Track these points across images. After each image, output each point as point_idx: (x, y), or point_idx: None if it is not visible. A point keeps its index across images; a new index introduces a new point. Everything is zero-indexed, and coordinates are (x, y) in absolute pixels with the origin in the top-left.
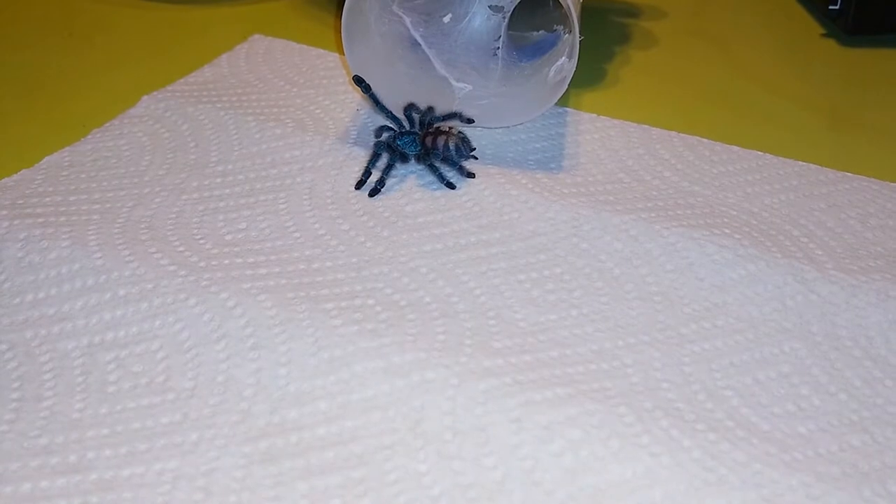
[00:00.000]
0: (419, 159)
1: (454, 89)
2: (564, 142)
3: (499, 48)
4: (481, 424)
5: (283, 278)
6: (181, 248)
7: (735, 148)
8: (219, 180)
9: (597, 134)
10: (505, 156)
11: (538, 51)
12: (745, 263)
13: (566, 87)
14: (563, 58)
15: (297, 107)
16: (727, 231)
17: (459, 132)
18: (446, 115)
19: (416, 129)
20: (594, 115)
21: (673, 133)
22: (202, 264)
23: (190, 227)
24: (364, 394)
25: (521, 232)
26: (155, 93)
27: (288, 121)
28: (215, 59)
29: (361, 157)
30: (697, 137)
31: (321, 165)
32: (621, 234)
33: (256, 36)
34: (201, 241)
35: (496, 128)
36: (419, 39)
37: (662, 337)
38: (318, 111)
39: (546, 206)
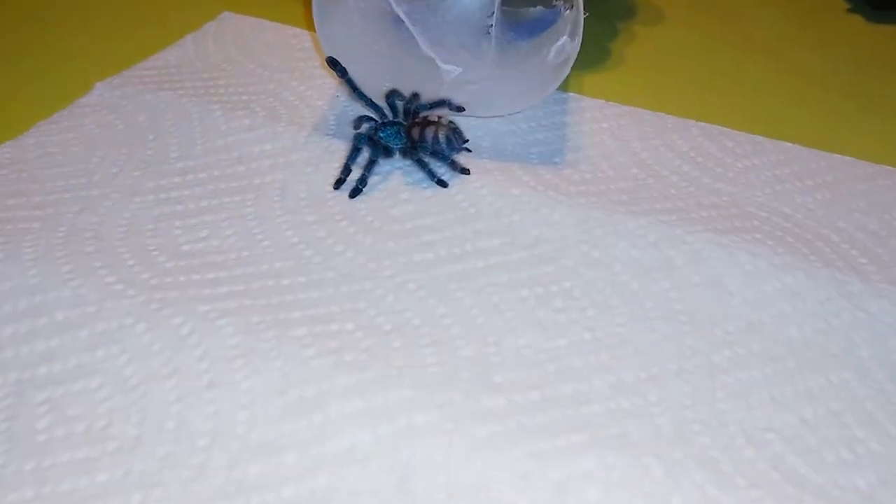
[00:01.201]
0: (405, 154)
1: (442, 72)
2: (569, 132)
3: (492, 26)
4: (482, 482)
5: (248, 298)
6: (131, 262)
7: (759, 138)
8: (178, 179)
9: (605, 123)
10: (503, 148)
11: (536, 28)
12: (781, 275)
13: (568, 70)
14: (565, 37)
15: (269, 93)
16: (758, 236)
17: (450, 122)
18: (434, 103)
19: (401, 118)
20: (601, 100)
21: (690, 121)
22: (154, 282)
23: (143, 236)
24: (340, 443)
25: (523, 238)
26: (110, 79)
27: (258, 109)
28: (180, 40)
29: (341, 151)
30: (718, 126)
31: (295, 161)
32: (638, 241)
33: (226, 14)
34: (155, 253)
35: (490, 117)
36: (402, 16)
37: (691, 366)
38: (292, 98)
39: (551, 208)
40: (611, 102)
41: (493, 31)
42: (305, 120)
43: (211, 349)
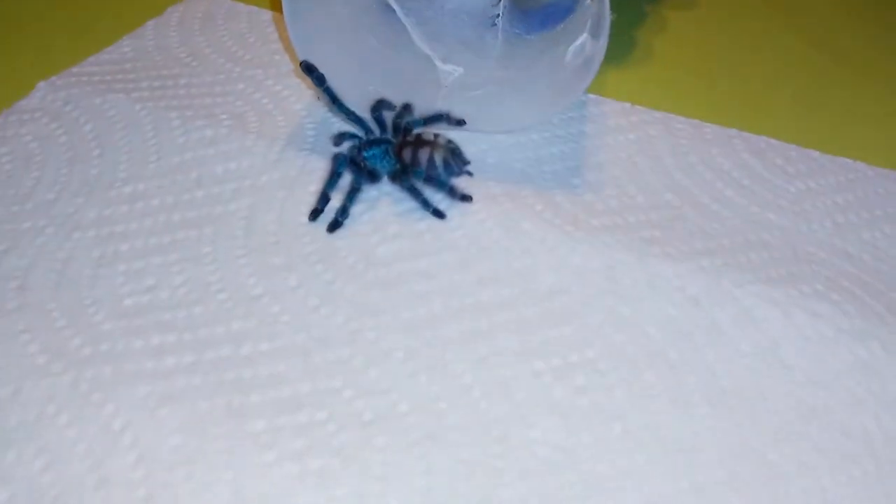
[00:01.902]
0: (394, 178)
1: (439, 74)
2: (589, 144)
3: (498, 16)
4: None
5: (198, 374)
6: (61, 324)
7: (815, 154)
8: (125, 209)
9: (632, 133)
10: (511, 165)
11: (549, 19)
12: (851, 344)
13: (591, 77)
14: (585, 35)
15: (239, 94)
16: (819, 287)
17: (448, 141)
18: (429, 118)
19: (389, 135)
20: (626, 104)
21: (732, 131)
22: (87, 351)
23: (79, 286)
24: None
25: (536, 289)
26: (55, 77)
27: (223, 117)
28: (138, 29)
29: (320, 170)
30: (765, 138)
31: (264, 184)
32: (676, 294)
33: None
34: (91, 311)
35: (495, 132)
36: (394, 4)
37: (746, 471)
38: (264, 101)
39: (570, 248)
40: (638, 106)
41: (499, 22)
42: (279, 130)
43: (148, 451)
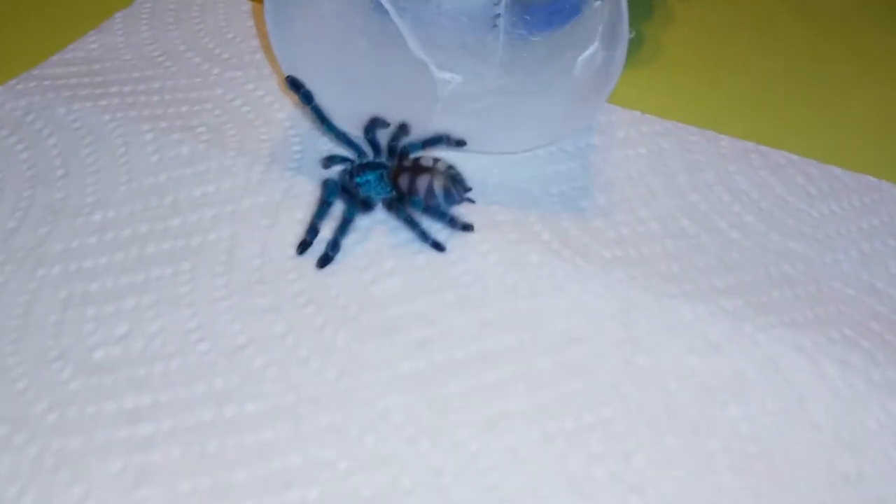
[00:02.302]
0: (390, 207)
1: (436, 83)
2: (597, 160)
3: (499, 16)
4: None
5: (177, 443)
6: (23, 384)
7: (837, 171)
8: (94, 240)
9: (643, 146)
10: (515, 186)
11: (555, 17)
12: (885, 399)
13: (606, 94)
14: (595, 44)
15: (217, 101)
16: (848, 332)
17: (449, 166)
18: (427, 140)
19: (384, 158)
20: (636, 112)
21: (749, 144)
22: (52, 417)
23: (43, 335)
24: None
25: (546, 335)
26: (13, 81)
27: (201, 130)
28: (106, 21)
29: (308, 194)
30: (784, 153)
31: (247, 211)
32: (696, 341)
33: None
34: (56, 366)
35: (499, 153)
36: (386, 5)
37: None
38: (245, 109)
39: (582, 286)
40: (648, 115)
41: (501, 21)
42: (262, 145)
43: None
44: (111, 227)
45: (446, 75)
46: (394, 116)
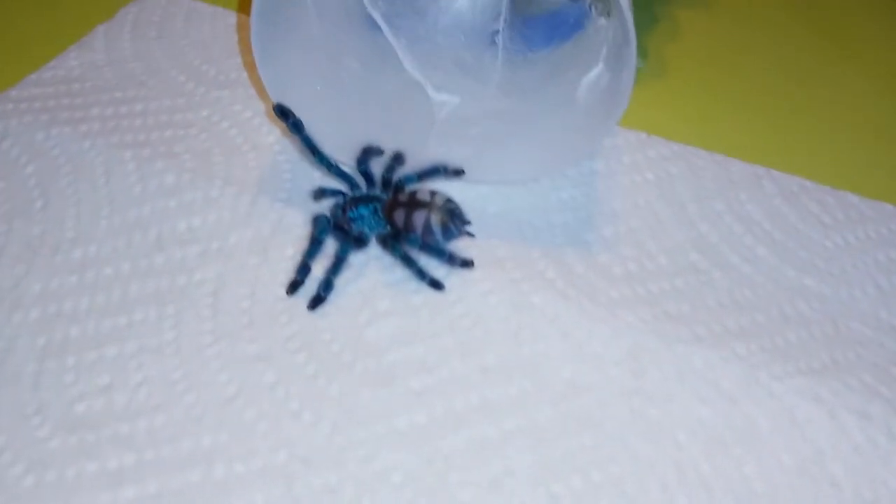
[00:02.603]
0: (385, 243)
1: (432, 105)
2: (602, 187)
3: (498, 32)
4: None
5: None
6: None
7: (853, 198)
8: (74, 279)
9: (650, 172)
10: (516, 217)
11: (555, 32)
12: None
13: (615, 121)
14: (600, 66)
15: (202, 125)
16: (868, 380)
17: (447, 200)
18: (424, 172)
19: (378, 190)
20: (642, 133)
21: (760, 169)
22: (30, 481)
23: (20, 386)
24: None
25: (551, 383)
26: None
27: (186, 157)
28: (86, 36)
29: (298, 227)
30: (797, 178)
31: (234, 247)
32: (708, 390)
33: None
34: (35, 421)
35: (498, 183)
36: (380, 21)
37: None
38: (232, 132)
39: (588, 331)
40: (654, 137)
41: (499, 38)
42: (250, 173)
43: None
44: (92, 265)
45: (443, 97)
46: (388, 142)
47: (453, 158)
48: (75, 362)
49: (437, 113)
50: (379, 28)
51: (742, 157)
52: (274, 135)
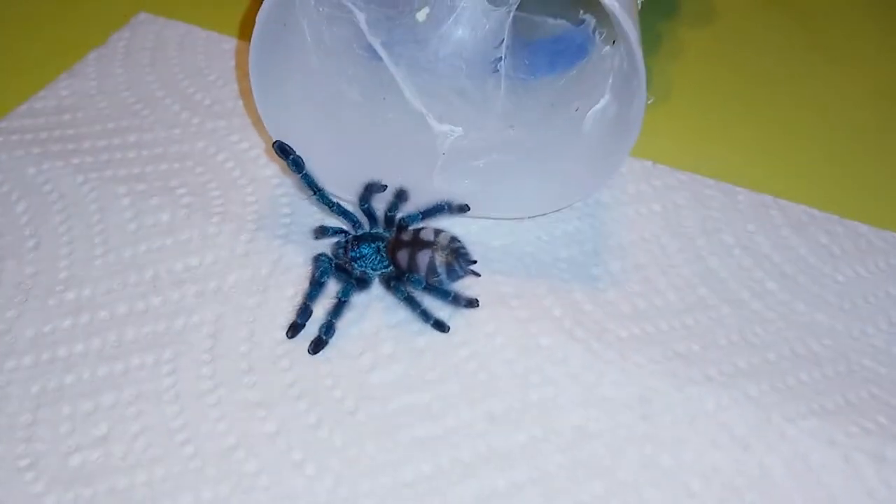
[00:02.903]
0: (388, 284)
1: (434, 135)
2: (609, 218)
3: (501, 59)
4: None
5: None
6: None
7: (863, 228)
8: (68, 323)
9: (657, 203)
10: (521, 251)
11: (559, 58)
12: None
13: (624, 155)
14: (606, 97)
15: (199, 157)
16: (883, 421)
17: (451, 239)
18: (427, 210)
19: (380, 228)
20: (647, 162)
21: (767, 199)
22: None
23: (13, 438)
24: None
25: (560, 430)
26: None
27: (181, 192)
28: (78, 63)
29: (298, 266)
30: (804, 207)
31: (232, 288)
32: (720, 435)
33: (143, 16)
34: (29, 476)
35: (504, 218)
36: (380, 50)
37: None
38: (228, 165)
39: (598, 374)
40: (660, 165)
41: (502, 66)
42: (247, 208)
43: None
44: (87, 307)
45: (445, 128)
46: (391, 177)
47: (458, 192)
48: (71, 411)
49: (439, 145)
50: (379, 58)
51: (748, 185)
52: (272, 168)
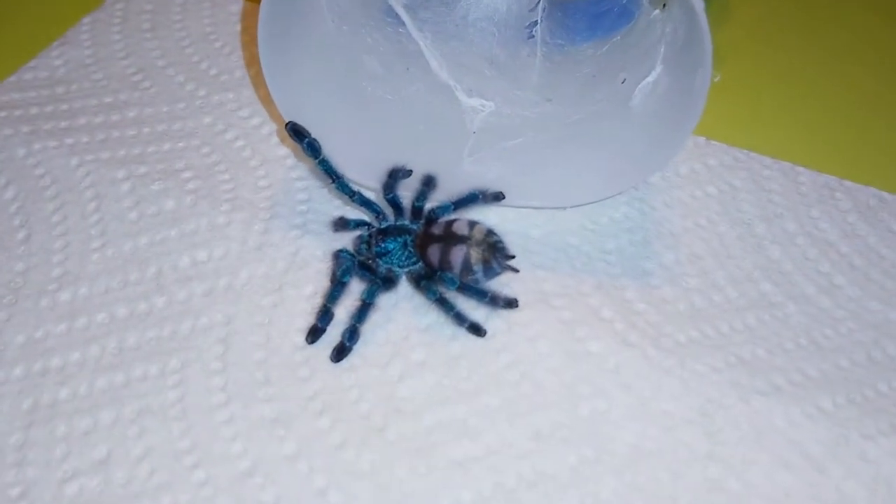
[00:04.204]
0: (417, 283)
1: (463, 111)
2: (658, 203)
3: (536, 23)
4: None
5: None
6: None
7: None
8: (63, 327)
9: (711, 185)
10: (563, 242)
11: (598, 21)
12: None
13: (688, 133)
14: (658, 68)
15: (205, 135)
16: None
17: (488, 232)
18: (459, 200)
19: (406, 220)
20: (700, 138)
21: (832, 180)
22: None
23: (2, 463)
24: None
25: (614, 450)
26: None
27: (187, 175)
28: (71, 29)
29: (317, 261)
30: (873, 190)
31: (245, 285)
32: (792, 454)
33: None
34: None
35: (543, 207)
36: (402, 14)
37: None
38: (239, 145)
39: (655, 386)
40: (714, 142)
41: (538, 29)
42: (260, 194)
43: None
44: (83, 309)
45: (475, 102)
46: (416, 160)
47: (490, 177)
48: (65, 431)
49: (469, 122)
50: (401, 23)
51: (809, 165)
52: (285, 147)
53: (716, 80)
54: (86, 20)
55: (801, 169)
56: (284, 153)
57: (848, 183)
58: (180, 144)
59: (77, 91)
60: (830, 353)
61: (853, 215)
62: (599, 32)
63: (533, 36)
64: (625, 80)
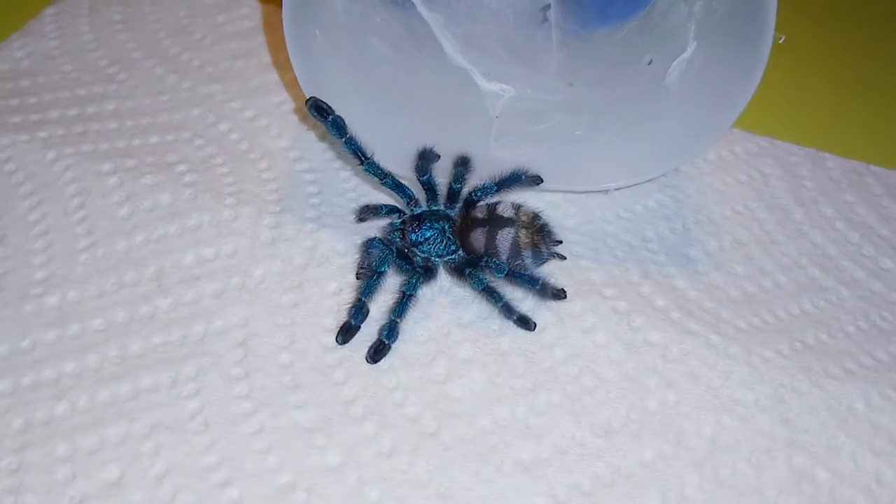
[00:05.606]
0: (459, 272)
1: (484, 97)
2: (692, 191)
3: (549, 6)
4: None
5: None
6: None
7: None
8: (52, 335)
9: (742, 172)
10: (600, 230)
11: (610, 6)
12: None
13: (739, 110)
14: (692, 44)
15: (196, 127)
16: None
17: (535, 215)
18: (502, 180)
19: (442, 205)
20: (743, 131)
21: (859, 165)
22: None
23: None
24: None
25: (690, 442)
26: None
27: (182, 169)
28: (33, 20)
29: (339, 255)
30: None
31: (260, 283)
32: (878, 438)
33: None
34: None
35: (581, 191)
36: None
37: None
38: (235, 137)
39: (724, 374)
40: (736, 129)
41: (551, 13)
42: (265, 186)
43: None
44: (74, 315)
45: (495, 86)
46: (440, 147)
47: (520, 162)
48: (68, 450)
49: (491, 107)
50: (411, 2)
51: (834, 151)
52: (286, 138)
53: (780, 41)
54: (49, 11)
55: (827, 154)
56: (286, 145)
57: (875, 168)
58: (169, 137)
59: (45, 84)
60: (894, 336)
61: (887, 199)
62: (614, 17)
63: (547, 20)
64: (651, 60)
